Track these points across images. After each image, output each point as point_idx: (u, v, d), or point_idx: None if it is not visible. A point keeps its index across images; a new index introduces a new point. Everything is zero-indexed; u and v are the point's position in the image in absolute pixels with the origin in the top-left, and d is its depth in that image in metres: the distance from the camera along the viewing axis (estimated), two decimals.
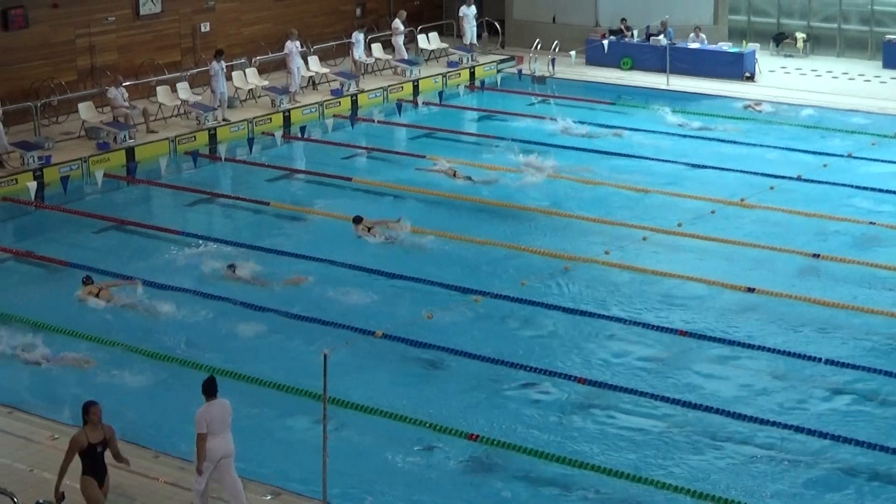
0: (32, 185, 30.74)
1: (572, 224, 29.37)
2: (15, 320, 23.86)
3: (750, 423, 19.90)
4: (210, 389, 16.89)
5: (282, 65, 40.39)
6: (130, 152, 34.47)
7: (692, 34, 44.33)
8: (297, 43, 39.72)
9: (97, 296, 24.60)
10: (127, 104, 35.79)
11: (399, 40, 43.79)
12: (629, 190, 31.57)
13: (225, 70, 37.66)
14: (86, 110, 36.00)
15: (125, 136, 34.75)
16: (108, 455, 16.65)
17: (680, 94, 41.31)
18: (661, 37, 44.08)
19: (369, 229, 28.13)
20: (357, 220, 28.25)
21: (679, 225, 28.51)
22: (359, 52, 41.67)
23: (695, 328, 23.44)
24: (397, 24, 43.89)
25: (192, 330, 23.76)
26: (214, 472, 16.82)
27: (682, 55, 43.45)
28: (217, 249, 27.71)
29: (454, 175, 32.57)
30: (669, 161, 33.91)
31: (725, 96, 41.01)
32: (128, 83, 36.78)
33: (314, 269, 26.57)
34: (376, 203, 30.96)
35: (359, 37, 41.78)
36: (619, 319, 23.84)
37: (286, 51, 39.48)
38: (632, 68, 44.32)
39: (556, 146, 35.49)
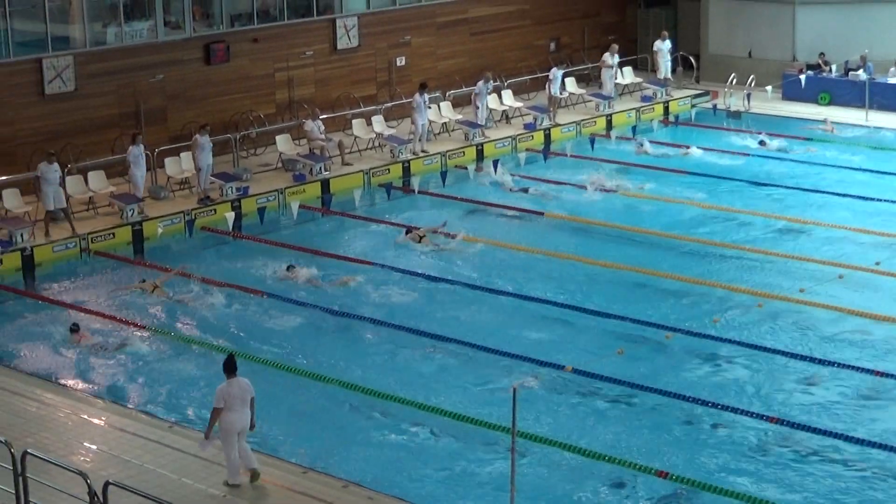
0: (230, 215, 31.34)
1: (766, 261, 28.92)
2: (215, 350, 24.41)
3: None
4: (230, 368, 18.33)
5: None
6: (325, 184, 35.00)
7: (893, 69, 43.33)
8: (489, 85, 39.93)
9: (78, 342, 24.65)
10: (323, 137, 36.36)
11: (606, 74, 43.60)
12: (825, 227, 30.99)
13: (427, 103, 38.08)
14: (283, 142, 36.69)
15: (321, 168, 35.30)
16: None
17: (879, 129, 40.52)
18: (861, 71, 43.22)
19: (420, 238, 29.98)
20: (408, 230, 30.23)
21: (877, 263, 27.87)
22: (555, 89, 41.65)
23: (892, 369, 22.83)
24: (606, 57, 43.69)
25: (377, 358, 24.11)
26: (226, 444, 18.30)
27: (882, 90, 42.56)
28: (406, 280, 28.00)
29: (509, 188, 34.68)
30: (867, 198, 33.18)
31: None
32: (324, 116, 37.36)
33: (503, 302, 26.63)
34: (567, 237, 30.95)
35: (557, 74, 41.72)
36: (813, 359, 23.33)
37: (476, 90, 39.69)
38: (830, 104, 43.51)
39: (748, 182, 35.08)
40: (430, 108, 38.65)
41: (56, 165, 30.58)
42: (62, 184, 30.78)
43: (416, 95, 37.61)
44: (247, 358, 23.53)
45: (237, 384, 18.27)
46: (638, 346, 24.17)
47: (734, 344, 24.11)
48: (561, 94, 42.47)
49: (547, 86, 41.80)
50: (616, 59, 43.74)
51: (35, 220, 30.64)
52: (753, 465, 19.74)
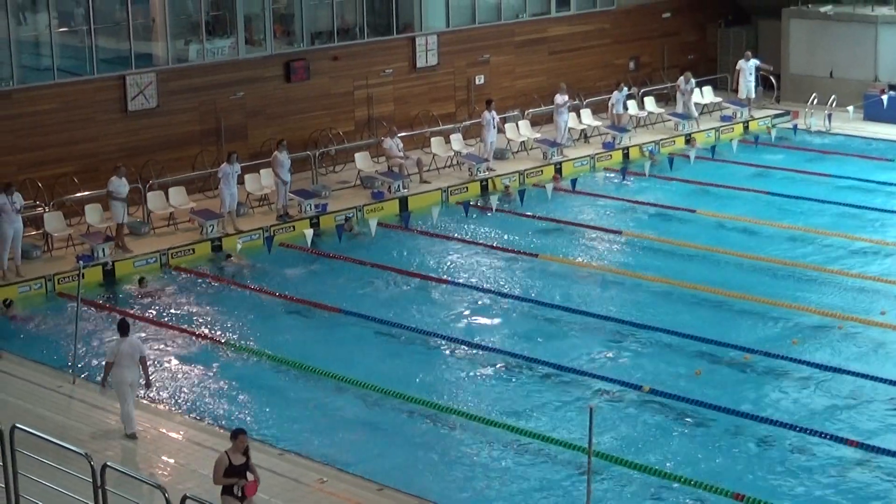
0: (309, 232, 31.49)
1: (846, 282, 28.65)
2: (293, 366, 24.53)
3: None
4: (123, 328, 20.91)
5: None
6: (403, 202, 35.12)
7: None
8: (566, 97, 39.93)
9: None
10: (402, 154, 36.49)
11: (680, 99, 43.26)
12: None
13: (497, 120, 38.14)
14: (362, 160, 36.85)
15: (399, 186, 35.42)
16: None
17: None
18: None
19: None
20: None
21: None
22: (617, 109, 41.67)
23: None
24: (681, 82, 43.32)
25: (452, 374, 24.17)
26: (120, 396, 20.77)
27: None
28: (483, 298, 28.05)
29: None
30: None
31: None
32: (403, 134, 37.50)
33: (576, 320, 26.56)
34: (647, 257, 30.84)
35: (618, 97, 41.69)
36: (894, 382, 23.06)
37: (555, 104, 39.71)
38: None
39: (828, 202, 34.75)
40: (497, 126, 38.44)
41: (124, 180, 30.97)
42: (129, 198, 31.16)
43: (485, 112, 37.78)
44: (333, 377, 23.72)
45: (127, 343, 20.69)
46: (716, 367, 24.04)
47: (814, 366, 23.89)
48: (639, 112, 42.22)
49: (609, 107, 41.84)
50: (691, 84, 43.35)
51: (115, 236, 30.98)
52: (831, 489, 19.55)
